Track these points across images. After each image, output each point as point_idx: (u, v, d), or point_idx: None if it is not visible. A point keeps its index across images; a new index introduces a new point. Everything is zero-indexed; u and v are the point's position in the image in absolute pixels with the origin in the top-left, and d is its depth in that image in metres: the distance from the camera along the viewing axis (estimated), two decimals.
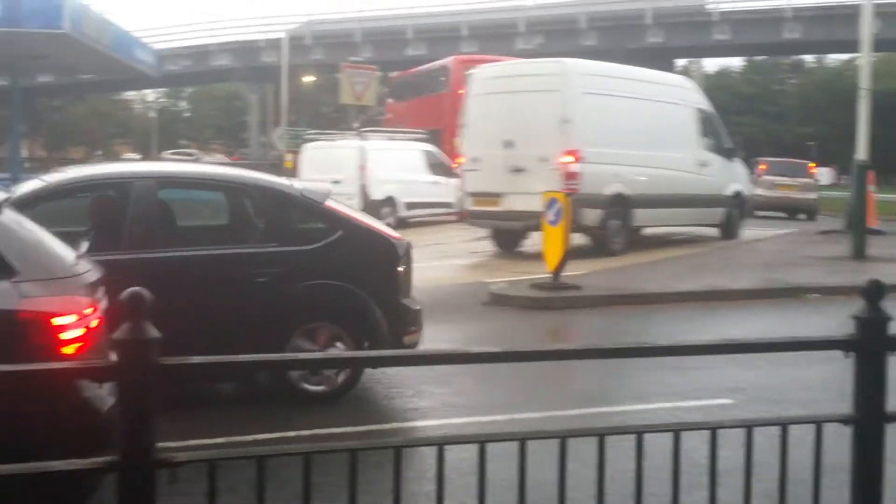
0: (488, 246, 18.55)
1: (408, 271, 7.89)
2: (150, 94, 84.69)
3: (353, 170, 23.55)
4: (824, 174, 39.81)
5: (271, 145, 53.51)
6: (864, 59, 17.78)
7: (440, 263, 17.01)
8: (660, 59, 42.82)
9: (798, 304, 12.74)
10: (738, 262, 16.29)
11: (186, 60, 59.59)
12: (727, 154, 19.59)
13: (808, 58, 73.46)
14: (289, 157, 42.25)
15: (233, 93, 70.43)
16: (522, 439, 2.97)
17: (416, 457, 5.30)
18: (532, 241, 17.00)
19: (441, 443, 2.97)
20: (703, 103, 19.49)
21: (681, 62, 55.25)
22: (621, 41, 47.70)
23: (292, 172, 39.20)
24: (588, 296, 12.49)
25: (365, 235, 7.78)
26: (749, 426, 3.13)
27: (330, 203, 7.77)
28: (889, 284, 3.26)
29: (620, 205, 16.64)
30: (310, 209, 7.77)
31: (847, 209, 19.55)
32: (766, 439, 3.14)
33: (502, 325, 11.17)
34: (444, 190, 25.42)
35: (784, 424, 3.14)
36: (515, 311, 11.97)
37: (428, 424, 6.80)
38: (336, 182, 23.24)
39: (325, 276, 7.46)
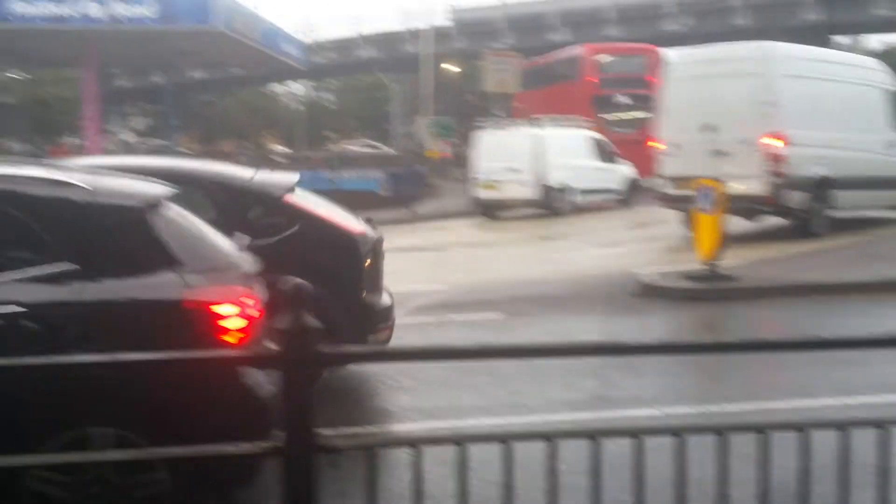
0: (647, 233, 18.77)
1: (375, 267, 7.58)
2: (297, 87, 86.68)
3: (529, 157, 24.17)
4: None
5: (414, 135, 54.07)
6: None
7: (595, 252, 17.05)
8: (817, 36, 41.05)
9: None
10: None
11: (331, 52, 60.70)
12: None
13: None
14: (431, 146, 42.78)
15: (375, 83, 71.40)
16: (679, 433, 2.91)
17: (569, 449, 5.27)
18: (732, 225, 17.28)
19: (594, 435, 2.94)
20: (894, 84, 19.26)
21: (839, 39, 52.99)
22: (776, 19, 45.99)
23: (435, 162, 39.83)
24: (745, 287, 12.00)
25: (324, 230, 7.43)
26: None
27: (290, 196, 7.47)
28: None
29: (823, 187, 16.69)
30: (266, 202, 7.46)
31: None
32: None
33: (651, 317, 10.96)
34: (611, 176, 26.47)
35: None
36: (667, 302, 11.64)
37: (580, 417, 6.75)
38: (513, 170, 24.11)
39: (279, 271, 7.26)
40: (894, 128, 18.72)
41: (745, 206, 16.03)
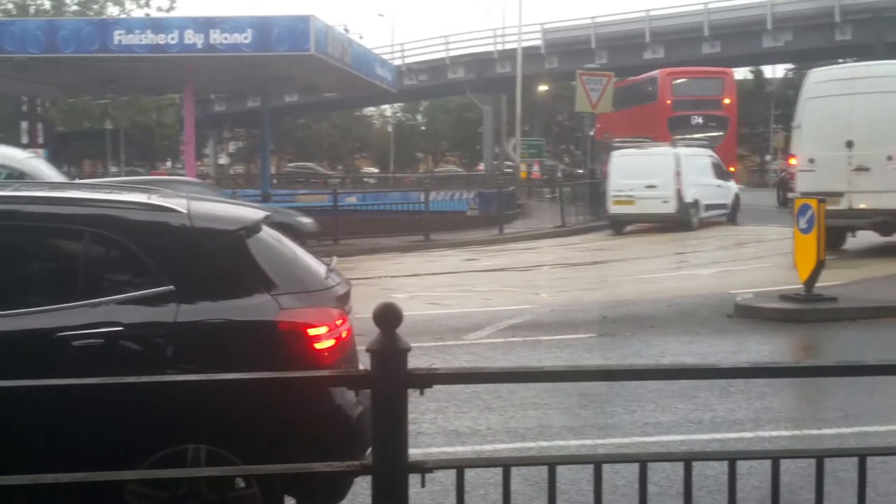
0: (749, 251, 19.14)
1: None
2: (388, 109, 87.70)
3: (667, 175, 25.71)
4: None
5: (505, 156, 54.07)
6: None
7: (691, 273, 16.91)
8: None
9: None
10: None
11: (423, 75, 61.11)
12: None
13: None
14: (523, 167, 42.80)
15: (466, 104, 71.81)
16: (775, 457, 2.87)
17: (659, 472, 5.22)
18: (857, 241, 18.26)
19: (687, 458, 2.91)
20: None
21: None
22: (880, 35, 44.68)
23: (527, 183, 39.88)
24: (845, 308, 11.68)
25: None
26: None
27: None
28: None
29: None
30: None
31: None
32: None
33: (746, 339, 10.74)
34: (725, 192, 28.48)
35: None
36: (761, 323, 11.41)
37: (671, 440, 6.67)
38: (651, 186, 25.78)
39: None
40: None
41: (884, 220, 16.62)
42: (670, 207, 25.69)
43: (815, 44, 46.92)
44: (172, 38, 27.07)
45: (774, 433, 6.80)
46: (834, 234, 17.68)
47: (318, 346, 4.66)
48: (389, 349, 2.81)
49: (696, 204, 26.31)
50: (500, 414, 7.45)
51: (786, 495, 2.84)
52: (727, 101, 38.70)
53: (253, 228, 4.93)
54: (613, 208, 26.75)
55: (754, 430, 6.89)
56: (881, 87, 16.97)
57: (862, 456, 2.88)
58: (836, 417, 7.20)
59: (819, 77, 18.40)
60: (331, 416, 4.56)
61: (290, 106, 59.24)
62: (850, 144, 16.93)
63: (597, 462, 2.91)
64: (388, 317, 2.83)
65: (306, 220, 20.21)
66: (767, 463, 2.89)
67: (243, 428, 4.39)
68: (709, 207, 27.16)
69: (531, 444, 6.58)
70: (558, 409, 7.53)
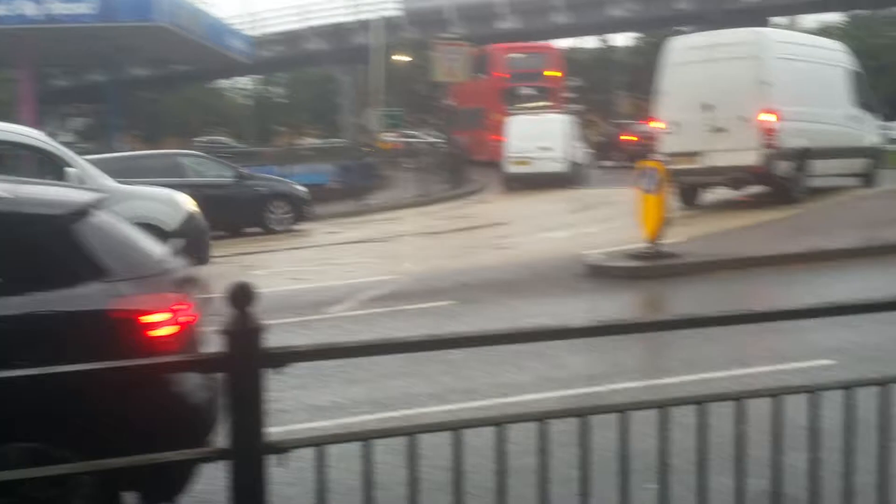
0: (599, 214, 19.85)
1: None
2: (245, 81, 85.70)
3: (559, 138, 28.66)
4: None
5: (364, 127, 53.82)
6: None
7: (545, 235, 17.29)
8: (755, 18, 41.65)
9: None
10: (839, 221, 16.10)
11: (279, 46, 60.08)
12: (868, 109, 21.29)
13: None
14: (383, 137, 42.66)
15: (326, 76, 70.93)
16: (623, 410, 3.00)
17: (517, 431, 5.34)
18: (714, 197, 19.62)
19: (542, 417, 3.01)
20: (854, 64, 21.17)
21: (776, 20, 53.60)
22: (717, 2, 46.57)
23: (387, 154, 39.85)
24: (687, 263, 12.38)
25: None
26: (850, 387, 3.12)
27: None
28: None
29: (803, 157, 18.30)
30: None
31: None
32: (867, 399, 3.13)
33: (597, 297, 11.13)
34: (583, 154, 31.87)
35: (885, 384, 3.13)
36: (611, 281, 11.90)
37: (527, 399, 6.85)
38: (545, 148, 28.19)
39: None
40: (853, 103, 20.52)
41: (737, 176, 17.87)
42: (562, 167, 28.26)
43: (658, 12, 48.80)
44: (7, 9, 25.85)
45: (624, 385, 7.11)
46: (690, 190, 19.00)
47: (153, 333, 4.42)
48: (243, 329, 2.75)
49: (578, 164, 29.35)
50: (364, 385, 7.48)
51: (636, 444, 2.98)
52: (552, 73, 42.16)
53: (82, 213, 4.67)
54: (512, 168, 28.89)
55: (607, 384, 7.16)
56: (736, 53, 18.01)
57: (701, 402, 3.05)
58: (679, 367, 7.59)
59: (679, 45, 19.38)
60: (172, 404, 4.32)
61: (139, 79, 57.41)
62: (708, 107, 17.87)
63: (455, 428, 2.98)
64: (240, 295, 2.76)
65: (303, 189, 21.95)
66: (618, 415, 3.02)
67: (78, 422, 4.10)
68: (578, 167, 29.97)
69: (395, 414, 6.65)
70: (421, 377, 7.62)
